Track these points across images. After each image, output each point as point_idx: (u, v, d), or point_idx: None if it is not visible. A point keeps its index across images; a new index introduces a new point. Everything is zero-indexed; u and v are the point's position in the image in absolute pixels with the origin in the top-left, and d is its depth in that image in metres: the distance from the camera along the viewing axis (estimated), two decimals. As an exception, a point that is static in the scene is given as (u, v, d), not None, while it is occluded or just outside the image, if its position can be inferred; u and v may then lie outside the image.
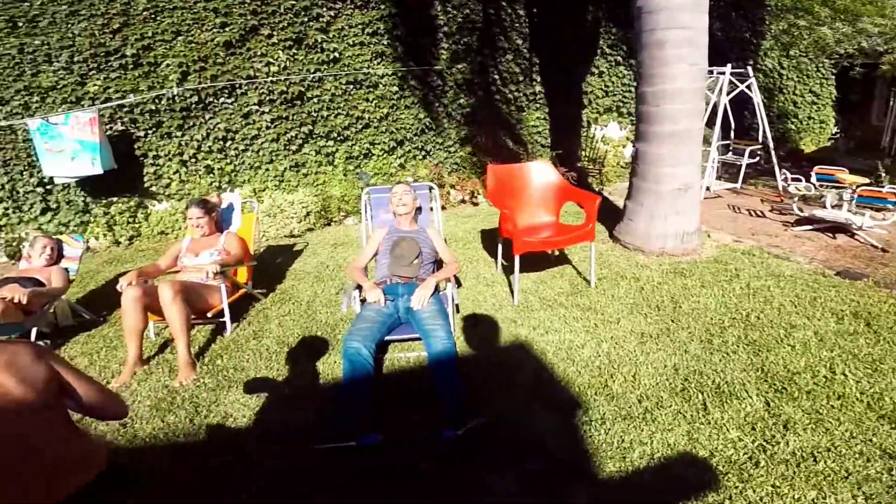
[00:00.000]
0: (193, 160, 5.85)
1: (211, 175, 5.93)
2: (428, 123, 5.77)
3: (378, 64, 5.68)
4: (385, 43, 5.66)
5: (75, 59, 5.53)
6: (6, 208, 5.87)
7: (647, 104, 3.90)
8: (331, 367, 2.90)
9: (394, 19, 5.66)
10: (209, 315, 3.32)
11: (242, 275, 3.80)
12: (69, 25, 5.51)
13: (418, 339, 2.66)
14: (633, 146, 4.45)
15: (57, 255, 4.03)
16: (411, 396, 2.57)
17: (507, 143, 5.86)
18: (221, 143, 5.81)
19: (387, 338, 2.69)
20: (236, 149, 5.84)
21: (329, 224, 5.89)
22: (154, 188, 5.95)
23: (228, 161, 5.90)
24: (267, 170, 5.90)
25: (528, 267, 3.79)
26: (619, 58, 6.68)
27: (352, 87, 5.72)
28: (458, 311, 3.40)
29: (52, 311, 3.73)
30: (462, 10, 5.62)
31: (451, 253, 3.21)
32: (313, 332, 3.35)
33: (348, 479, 2.05)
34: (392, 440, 2.21)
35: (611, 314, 3.26)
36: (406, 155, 5.85)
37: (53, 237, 4.12)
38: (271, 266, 4.64)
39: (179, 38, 5.55)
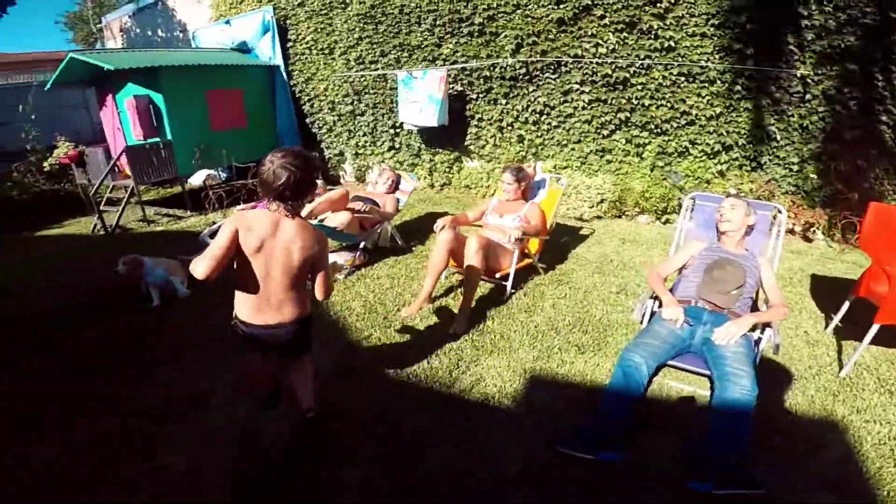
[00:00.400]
0: (509, 128, 6.23)
1: (521, 144, 6.23)
2: (770, 132, 4.93)
3: (720, 58, 4.93)
4: (732, 36, 4.81)
5: (437, 22, 6.23)
6: (366, 142, 7.46)
7: None
8: (593, 368, 2.76)
9: (748, 12, 4.70)
10: (497, 276, 3.53)
11: (533, 245, 3.90)
12: None
13: (706, 375, 2.34)
14: None
15: (394, 186, 4.81)
16: (668, 429, 2.30)
17: (882, 177, 4.62)
18: (537, 115, 5.99)
19: (670, 362, 2.39)
20: (549, 124, 5.97)
21: (620, 216, 5.72)
22: (472, 147, 6.61)
23: (539, 134, 6.08)
24: (573, 149, 5.91)
25: (876, 339, 2.85)
26: None
27: (683, 79, 5.16)
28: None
29: (378, 231, 4.52)
30: (847, 11, 4.28)
31: (781, 294, 2.65)
32: (584, 324, 3.24)
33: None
34: (631, 466, 2.04)
35: None
36: (731, 162, 5.20)
37: (395, 170, 4.95)
38: (555, 244, 4.66)
39: (518, 11, 5.77)
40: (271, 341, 1.97)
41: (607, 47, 5.38)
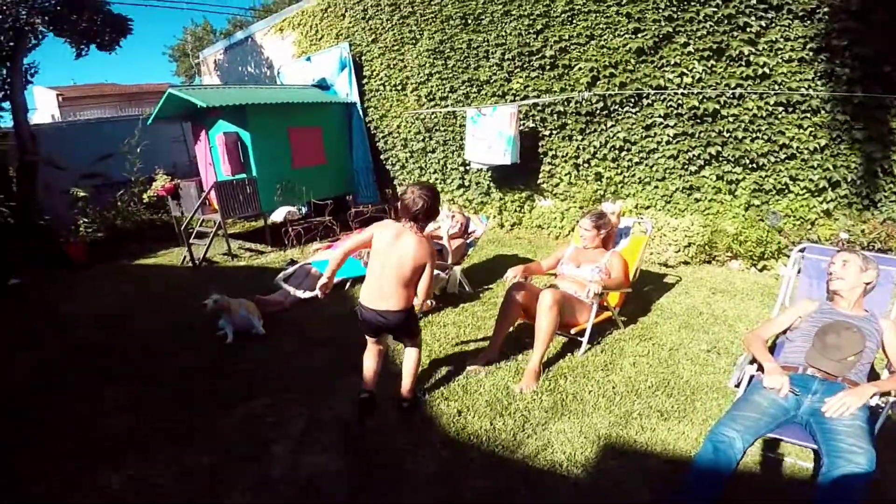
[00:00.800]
0: (586, 165, 5.94)
1: (598, 182, 5.93)
2: (886, 167, 4.25)
3: (823, 85, 4.37)
4: (838, 62, 4.25)
5: (505, 56, 6.16)
6: (436, 179, 7.43)
7: None
8: (676, 438, 2.45)
9: (851, 34, 4.14)
10: (572, 331, 3.27)
11: (613, 298, 3.58)
12: (503, 24, 6.09)
13: (813, 448, 2.05)
14: None
15: (464, 230, 4.69)
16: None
17: None
18: (616, 152, 5.67)
19: (770, 435, 2.11)
20: (630, 160, 5.61)
21: (709, 262, 5.15)
22: (545, 185, 6.37)
23: (619, 171, 5.75)
24: (656, 187, 5.50)
25: None
26: None
27: (781, 108, 4.63)
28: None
29: (446, 278, 4.36)
30: None
31: None
32: (669, 386, 2.90)
33: None
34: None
35: None
36: (838, 200, 4.53)
37: (465, 212, 4.82)
38: (637, 294, 4.21)
39: (592, 42, 5.53)
40: (380, 324, 2.53)
41: (693, 77, 4.98)
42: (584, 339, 3.27)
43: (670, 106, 5.19)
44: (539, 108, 6.08)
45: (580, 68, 5.62)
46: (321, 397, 2.98)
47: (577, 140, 5.93)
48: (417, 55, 7.07)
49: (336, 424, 2.72)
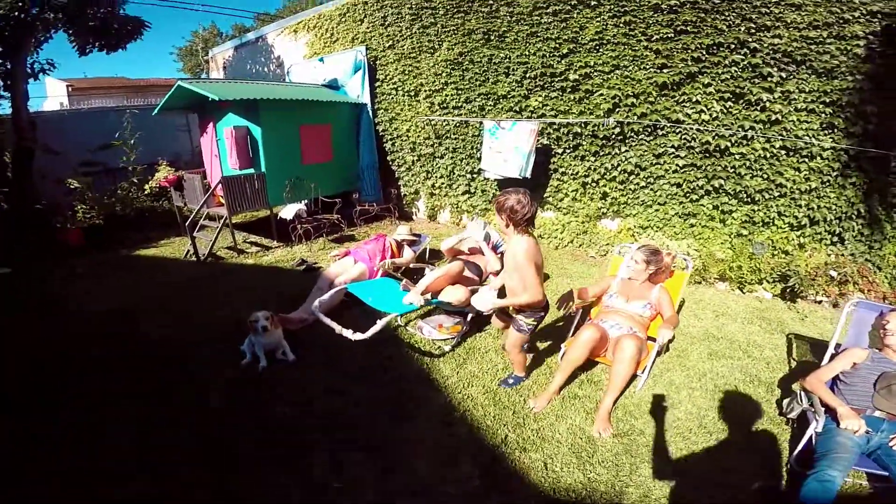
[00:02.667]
0: (594, 184, 5.98)
1: (603, 201, 6.00)
2: (860, 210, 4.85)
3: (825, 135, 4.88)
4: (844, 117, 4.76)
5: (527, 75, 6.18)
6: (442, 184, 7.41)
7: None
8: (754, 468, 2.50)
9: (862, 94, 4.62)
10: (637, 372, 3.13)
11: (653, 329, 3.45)
12: (528, 44, 6.10)
13: (885, 475, 2.34)
14: None
15: (492, 246, 4.56)
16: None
17: None
18: (626, 175, 5.75)
19: (854, 467, 2.36)
20: (637, 184, 5.72)
21: (700, 283, 5.33)
22: (550, 199, 6.38)
23: (624, 192, 5.85)
24: (657, 210, 5.67)
25: None
26: None
27: (784, 152, 5.04)
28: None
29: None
30: None
31: None
32: (730, 419, 2.93)
33: None
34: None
35: None
36: (813, 235, 5.12)
37: (488, 228, 4.62)
38: None
39: (617, 71, 5.52)
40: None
41: (710, 115, 5.13)
42: (644, 376, 3.22)
43: (684, 139, 5.30)
44: (556, 127, 6.13)
45: (601, 94, 5.58)
46: (391, 450, 2.63)
47: (589, 161, 5.94)
48: (434, 64, 6.84)
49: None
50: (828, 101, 4.72)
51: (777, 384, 3.39)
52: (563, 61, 5.82)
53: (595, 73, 5.67)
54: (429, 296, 3.57)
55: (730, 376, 3.50)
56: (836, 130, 4.77)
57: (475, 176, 6.90)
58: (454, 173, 7.12)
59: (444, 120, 6.89)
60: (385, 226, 7.31)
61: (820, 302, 5.02)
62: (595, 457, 2.58)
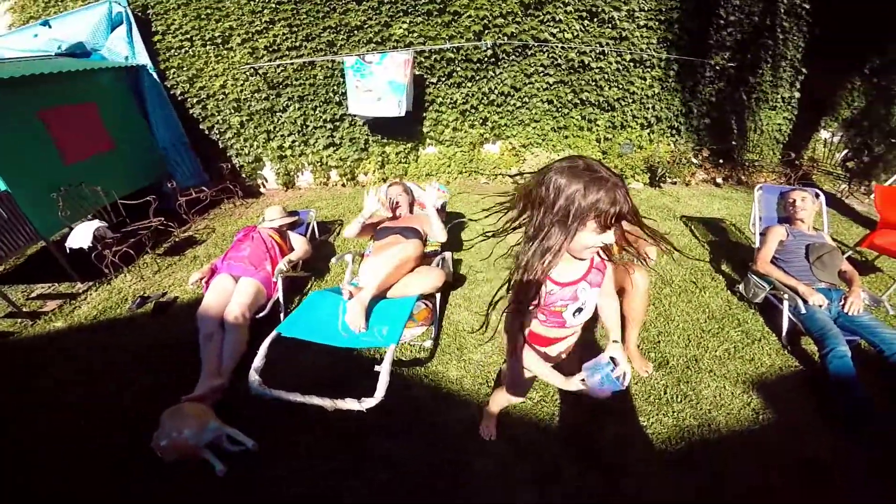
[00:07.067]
0: (473, 111, 5.72)
1: (484, 126, 5.83)
2: (691, 108, 5.89)
3: (661, 47, 5.61)
4: (673, 31, 5.35)
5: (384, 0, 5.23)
6: (293, 141, 5.94)
7: None
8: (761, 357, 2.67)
9: (685, 11, 5.28)
10: None
11: None
12: None
13: (854, 339, 2.53)
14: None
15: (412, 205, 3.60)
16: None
17: (743, 135, 6.14)
18: (503, 97, 5.64)
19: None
20: (513, 105, 5.68)
21: None
22: (431, 133, 5.90)
23: (502, 115, 5.76)
24: (534, 128, 5.79)
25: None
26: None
27: (633, 64, 5.51)
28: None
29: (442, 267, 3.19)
30: (750, 17, 5.43)
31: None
32: (715, 317, 3.11)
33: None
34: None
35: None
36: (659, 132, 6.00)
37: (406, 183, 3.70)
38: None
39: None
40: None
41: (572, 33, 5.29)
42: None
43: (552, 57, 5.39)
44: (426, 55, 5.48)
45: (470, 16, 5.18)
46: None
47: (466, 87, 5.59)
48: (248, 1, 5.21)
49: None
50: (662, 18, 5.31)
51: (716, 271, 3.70)
52: (424, -20, 5.06)
53: (461, -6, 5.11)
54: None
55: (678, 274, 3.66)
56: (668, 43, 5.44)
57: (338, 124, 5.74)
58: (307, 126, 5.78)
59: (280, 65, 5.36)
60: (230, 210, 5.56)
61: (675, 183, 5.99)
62: (664, 397, 2.41)
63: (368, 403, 1.96)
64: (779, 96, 5.89)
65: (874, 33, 5.50)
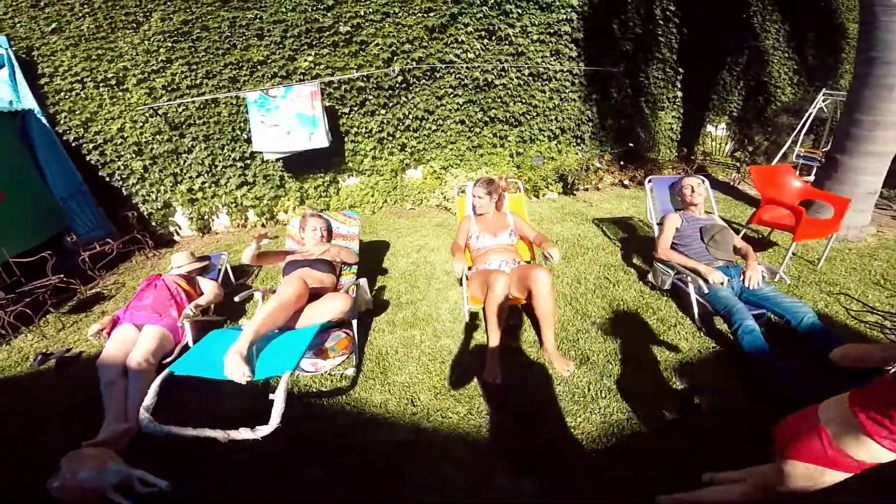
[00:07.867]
0: (390, 138, 5.77)
1: (403, 152, 5.88)
2: (589, 116, 6.28)
3: (554, 60, 5.95)
4: (563, 43, 5.70)
5: (288, 34, 5.20)
6: (203, 183, 5.69)
7: (859, 128, 4.09)
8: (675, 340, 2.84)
9: (571, 23, 5.64)
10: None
11: (525, 252, 3.45)
12: (282, 1, 5.10)
13: (761, 312, 2.68)
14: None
15: (328, 235, 3.50)
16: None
17: (641, 137, 6.65)
18: (418, 122, 5.73)
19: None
20: (428, 128, 5.79)
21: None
22: (350, 164, 5.87)
23: (419, 140, 5.85)
24: (451, 149, 5.91)
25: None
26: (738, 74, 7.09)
27: (532, 78, 5.83)
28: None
29: (355, 297, 3.04)
30: (631, 25, 5.96)
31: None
32: (628, 309, 3.27)
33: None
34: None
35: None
36: (565, 142, 6.35)
37: (322, 215, 3.59)
38: None
39: (388, 19, 5.29)
40: None
41: (474, 53, 5.50)
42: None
43: (458, 77, 5.57)
44: (335, 85, 5.47)
45: (377, 44, 5.28)
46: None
47: (381, 114, 5.64)
48: (143, 40, 4.99)
49: None
50: (552, 31, 5.63)
51: (628, 265, 3.95)
52: (329, 14, 5.16)
53: (366, 24, 5.27)
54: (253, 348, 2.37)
55: (591, 272, 3.85)
56: (560, 55, 5.80)
57: (249, 162, 5.57)
58: (217, 165, 5.56)
59: (180, 104, 5.16)
60: (142, 262, 5.21)
61: (587, 189, 6.32)
62: (588, 395, 2.46)
63: (263, 431, 1.94)
64: (665, 97, 6.42)
65: (734, 30, 6.17)
